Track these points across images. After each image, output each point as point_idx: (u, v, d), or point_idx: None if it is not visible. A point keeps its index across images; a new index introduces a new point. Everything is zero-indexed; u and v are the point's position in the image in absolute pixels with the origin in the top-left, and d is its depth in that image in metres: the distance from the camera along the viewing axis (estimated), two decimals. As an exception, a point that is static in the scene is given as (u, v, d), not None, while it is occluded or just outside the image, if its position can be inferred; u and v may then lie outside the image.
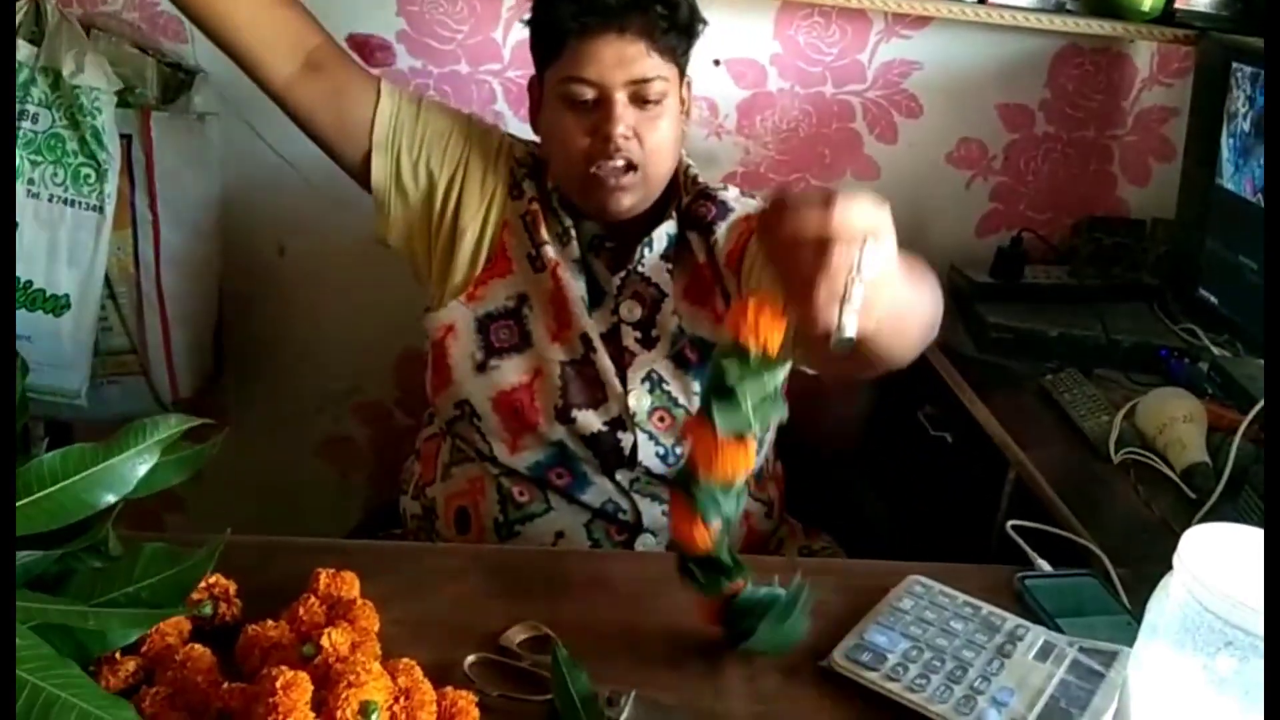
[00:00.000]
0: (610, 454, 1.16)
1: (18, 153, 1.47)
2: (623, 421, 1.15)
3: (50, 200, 1.49)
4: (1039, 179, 1.85)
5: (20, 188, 1.48)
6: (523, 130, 1.68)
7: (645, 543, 1.20)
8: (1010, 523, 1.10)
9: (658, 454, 1.16)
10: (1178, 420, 1.28)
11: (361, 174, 1.19)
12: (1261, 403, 1.24)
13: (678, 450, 1.16)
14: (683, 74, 1.15)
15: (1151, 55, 1.79)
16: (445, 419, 1.22)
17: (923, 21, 1.71)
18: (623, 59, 1.07)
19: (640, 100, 1.09)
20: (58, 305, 1.52)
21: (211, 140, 1.58)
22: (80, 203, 1.50)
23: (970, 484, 1.45)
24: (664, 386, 1.17)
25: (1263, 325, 1.37)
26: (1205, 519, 1.14)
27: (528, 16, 1.15)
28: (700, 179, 1.23)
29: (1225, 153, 1.48)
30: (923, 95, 1.77)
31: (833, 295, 0.70)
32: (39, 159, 1.48)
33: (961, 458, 1.52)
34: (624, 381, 1.16)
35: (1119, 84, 1.81)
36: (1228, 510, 1.15)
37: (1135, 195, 1.88)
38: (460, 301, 1.19)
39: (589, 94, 1.08)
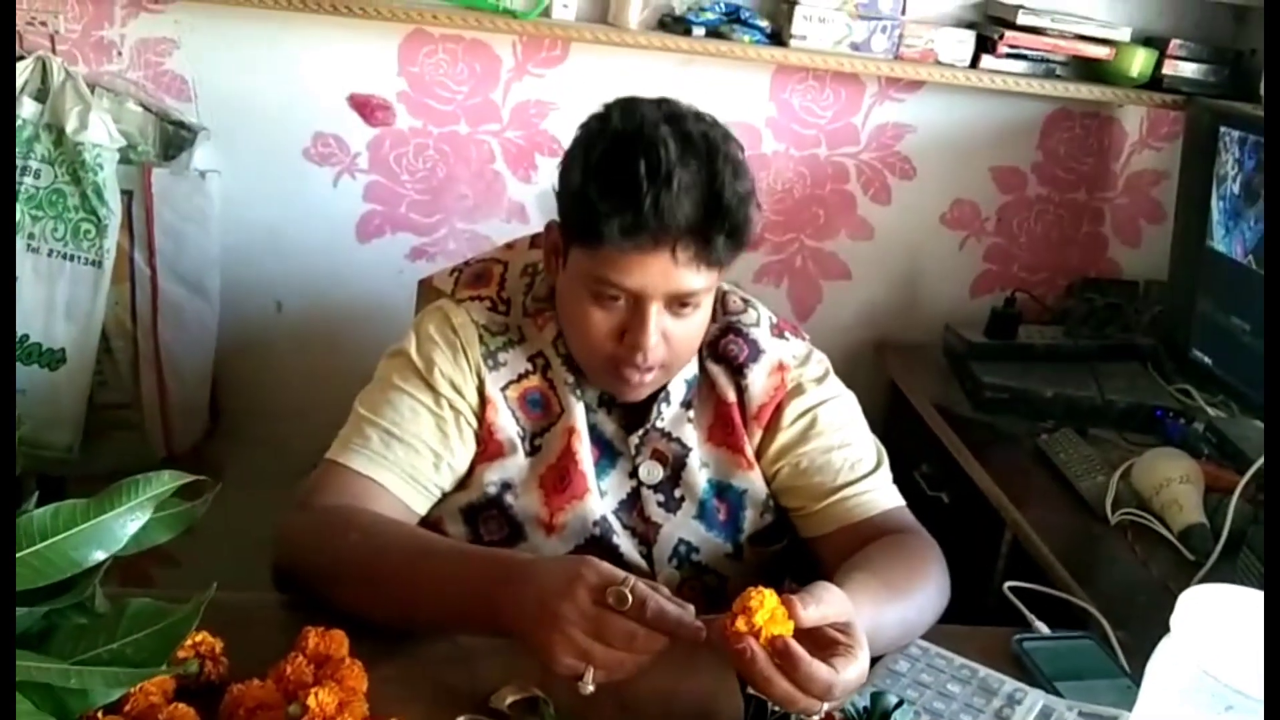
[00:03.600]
0: None
1: (19, 208, 1.48)
2: None
3: (50, 255, 1.50)
4: (1032, 240, 1.87)
5: (20, 242, 1.49)
6: (519, 189, 1.72)
7: None
8: (1007, 584, 1.09)
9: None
10: (1174, 481, 1.28)
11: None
12: (1258, 463, 1.24)
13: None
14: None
15: (1141, 120, 1.82)
16: None
17: (915, 85, 1.74)
18: (668, 275, 0.93)
19: (678, 305, 0.96)
20: (53, 360, 1.52)
21: (211, 197, 1.59)
22: (80, 257, 1.51)
23: (967, 544, 1.44)
24: (693, 558, 1.07)
25: (1257, 387, 1.38)
26: (1204, 580, 1.13)
27: (556, 186, 0.99)
28: (730, 299, 1.10)
29: (1215, 215, 1.49)
30: (916, 157, 1.79)
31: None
32: (40, 214, 1.49)
33: (958, 518, 1.50)
34: (650, 560, 1.06)
35: (1109, 147, 1.84)
36: (1226, 571, 1.15)
37: (1127, 256, 1.90)
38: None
39: (623, 298, 0.95)
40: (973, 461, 1.45)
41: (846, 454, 1.06)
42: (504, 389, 1.04)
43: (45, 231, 1.50)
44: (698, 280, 0.95)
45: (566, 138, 1.70)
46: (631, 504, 1.07)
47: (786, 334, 1.11)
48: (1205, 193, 1.51)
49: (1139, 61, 1.69)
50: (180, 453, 1.63)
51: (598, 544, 1.03)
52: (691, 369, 1.07)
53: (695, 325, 1.00)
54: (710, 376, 1.08)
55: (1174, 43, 1.71)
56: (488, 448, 1.04)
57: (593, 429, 1.06)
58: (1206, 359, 1.52)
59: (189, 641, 0.81)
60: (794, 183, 1.78)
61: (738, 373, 1.07)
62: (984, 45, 1.68)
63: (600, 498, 1.05)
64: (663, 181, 0.89)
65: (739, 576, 1.06)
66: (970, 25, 1.70)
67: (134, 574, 1.79)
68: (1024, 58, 1.69)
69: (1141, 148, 1.84)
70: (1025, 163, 1.83)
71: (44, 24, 1.53)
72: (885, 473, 1.07)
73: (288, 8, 1.51)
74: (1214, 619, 0.66)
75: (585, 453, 1.04)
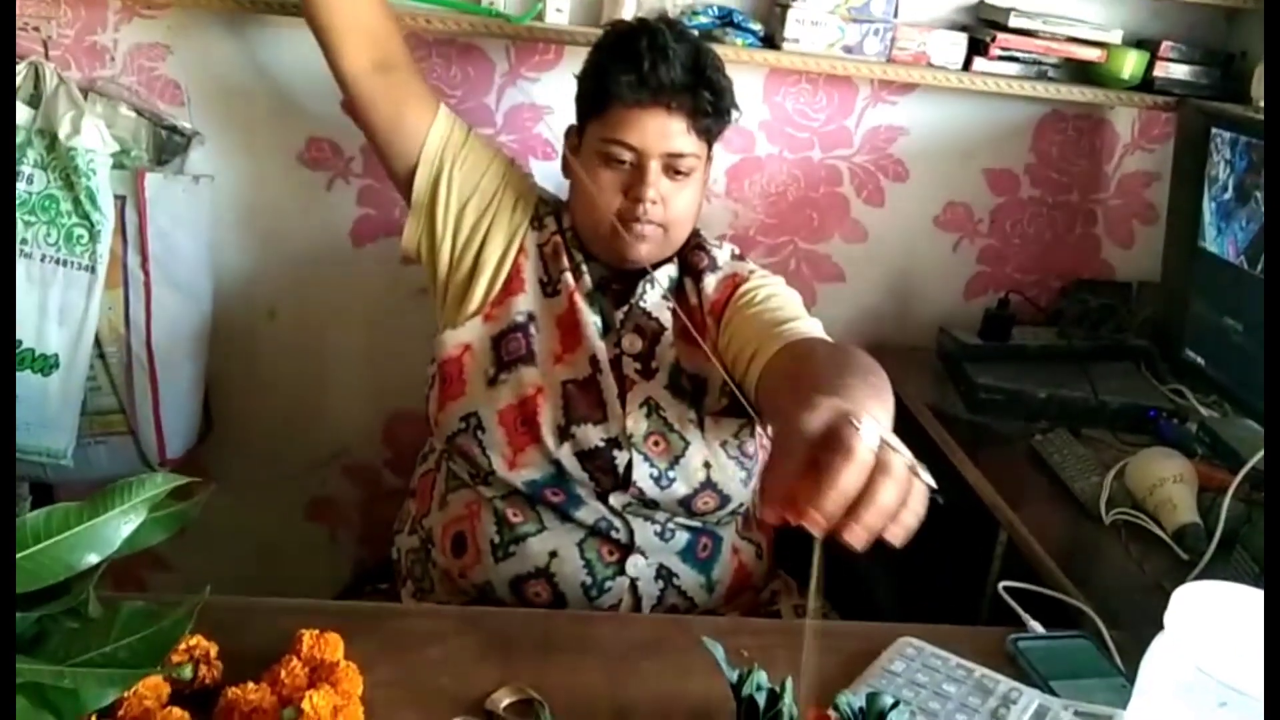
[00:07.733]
0: (606, 473, 1.19)
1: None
2: (619, 441, 1.19)
3: (43, 260, 1.50)
4: (1025, 242, 1.87)
5: (13, 248, 1.48)
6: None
7: (636, 564, 1.21)
8: (1002, 584, 1.09)
9: (651, 475, 1.19)
10: (1168, 480, 1.28)
11: (405, 182, 1.30)
12: (1252, 462, 1.24)
13: (670, 474, 1.19)
14: (710, 151, 1.27)
15: (1133, 121, 1.83)
16: (448, 433, 1.23)
17: (908, 88, 1.74)
18: (664, 133, 1.19)
19: (672, 170, 1.21)
20: (46, 365, 1.51)
21: (205, 202, 1.59)
22: (72, 263, 1.50)
23: (961, 545, 1.45)
24: (660, 412, 1.22)
25: (1250, 387, 1.38)
26: (1197, 579, 1.13)
27: (579, 70, 1.28)
28: (703, 234, 1.33)
29: (1207, 216, 1.50)
30: (909, 160, 1.79)
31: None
32: (32, 219, 1.48)
33: (952, 519, 1.51)
34: (624, 404, 1.21)
35: (1101, 149, 1.84)
36: (1220, 570, 1.15)
37: (1120, 257, 1.90)
38: (478, 321, 1.27)
39: (627, 157, 1.20)
40: (967, 463, 1.45)
41: (784, 308, 1.20)
42: (539, 245, 1.29)
43: (38, 237, 1.49)
44: (689, 143, 1.20)
45: (561, 142, 1.72)
46: (614, 366, 1.24)
47: (746, 259, 1.33)
48: (1197, 194, 1.51)
49: (1130, 63, 1.69)
50: (173, 459, 1.62)
51: (591, 380, 1.22)
52: (674, 269, 1.29)
53: (688, 197, 1.23)
54: (684, 285, 1.29)
55: (1165, 44, 1.71)
56: (512, 284, 1.26)
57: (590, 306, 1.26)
58: (1199, 359, 1.53)
59: (183, 645, 0.81)
60: (787, 185, 1.78)
61: (698, 279, 1.28)
62: (976, 48, 1.68)
63: (599, 343, 1.24)
64: (659, 52, 1.17)
65: (700, 442, 1.21)
66: (962, 28, 1.71)
67: (127, 579, 1.79)
68: (1016, 60, 1.69)
69: (1133, 149, 1.85)
70: (1018, 165, 1.83)
71: (37, 29, 1.53)
72: (817, 322, 1.18)
73: (280, 13, 1.51)
74: (1208, 616, 0.67)
75: (586, 312, 1.25)
